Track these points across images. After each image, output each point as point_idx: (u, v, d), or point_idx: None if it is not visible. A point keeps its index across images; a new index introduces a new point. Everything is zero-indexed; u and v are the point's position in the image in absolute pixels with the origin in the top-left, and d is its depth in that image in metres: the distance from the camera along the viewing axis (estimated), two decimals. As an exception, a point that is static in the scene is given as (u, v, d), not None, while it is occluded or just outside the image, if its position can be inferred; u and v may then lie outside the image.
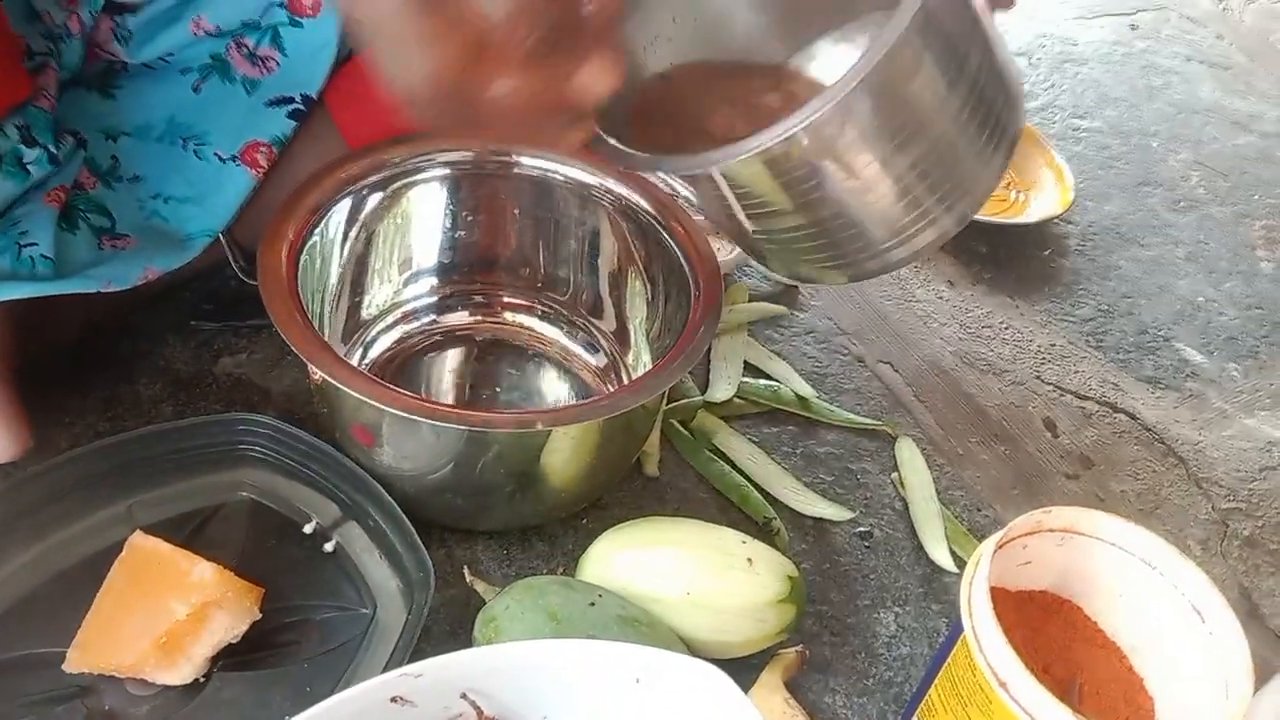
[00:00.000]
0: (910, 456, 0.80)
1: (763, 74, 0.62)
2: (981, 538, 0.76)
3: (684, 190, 0.54)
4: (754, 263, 0.94)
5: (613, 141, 0.53)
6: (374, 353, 0.77)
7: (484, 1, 0.44)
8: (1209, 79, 1.48)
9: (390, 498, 0.64)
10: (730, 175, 0.50)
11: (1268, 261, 1.14)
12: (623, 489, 0.74)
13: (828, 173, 0.49)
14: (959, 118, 0.50)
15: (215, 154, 0.74)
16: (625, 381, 0.77)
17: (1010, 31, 1.46)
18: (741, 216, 0.53)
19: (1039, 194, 1.14)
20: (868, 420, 0.82)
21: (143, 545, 0.59)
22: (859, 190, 0.50)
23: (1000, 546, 0.57)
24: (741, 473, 0.76)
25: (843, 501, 0.76)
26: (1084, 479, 0.83)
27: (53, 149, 0.66)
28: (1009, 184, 1.16)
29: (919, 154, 0.50)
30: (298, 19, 0.75)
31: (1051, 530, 0.60)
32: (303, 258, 0.67)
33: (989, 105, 0.51)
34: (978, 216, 1.04)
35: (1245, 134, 1.37)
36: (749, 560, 0.62)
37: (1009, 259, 1.06)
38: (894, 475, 0.79)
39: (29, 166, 0.65)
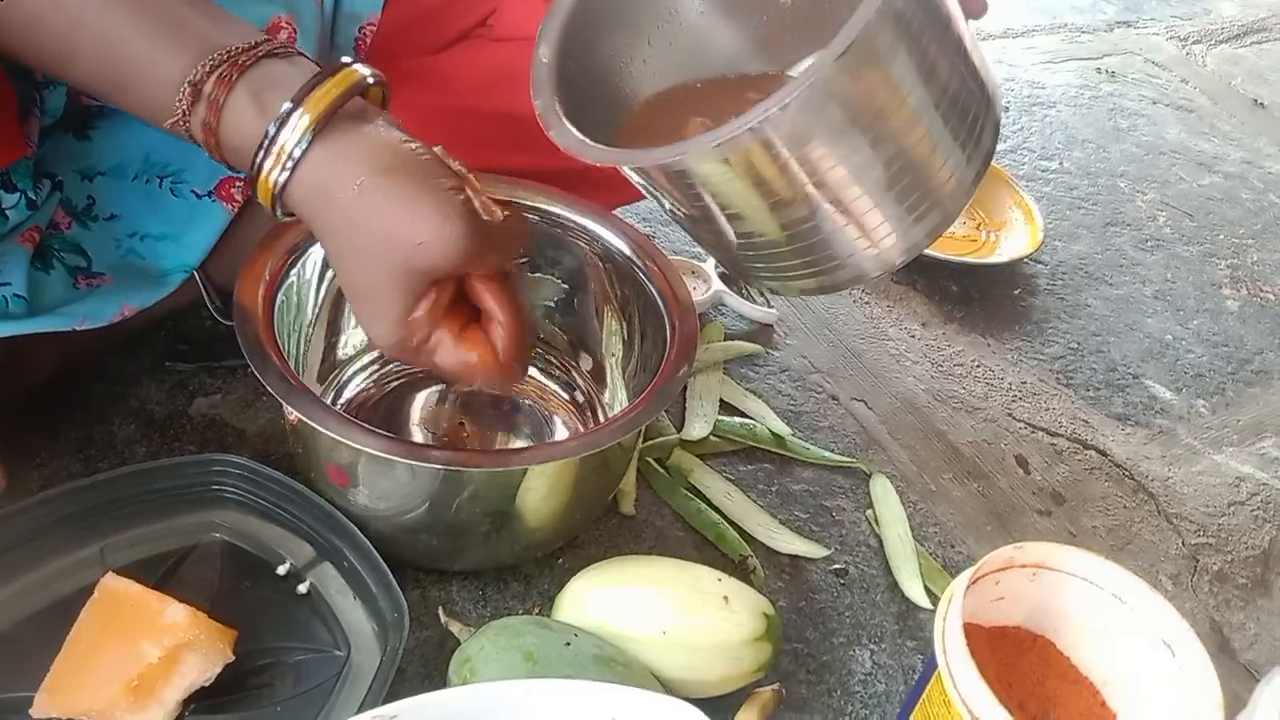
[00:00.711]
0: (884, 493, 0.80)
1: (756, 83, 0.63)
2: (955, 573, 0.76)
3: (667, 203, 0.54)
4: (728, 301, 0.95)
5: (578, 135, 0.54)
6: (350, 392, 0.77)
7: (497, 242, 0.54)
8: (1174, 121, 1.51)
9: (365, 538, 0.64)
10: (697, 173, 0.50)
11: (1233, 300, 1.16)
12: (599, 528, 0.74)
13: (794, 172, 0.49)
14: (931, 122, 0.50)
15: (191, 190, 0.74)
16: (602, 420, 0.78)
17: (979, 75, 1.49)
18: (716, 219, 0.53)
19: (1009, 234, 1.16)
20: (842, 458, 0.83)
21: (114, 587, 0.59)
22: (827, 196, 0.50)
23: (973, 582, 0.58)
24: (717, 510, 0.76)
25: (818, 538, 0.76)
26: (1056, 515, 0.84)
27: (31, 194, 0.66)
28: (979, 224, 1.18)
29: (888, 157, 0.50)
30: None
31: (1023, 566, 0.61)
32: (279, 297, 0.67)
33: (962, 112, 0.51)
34: (949, 256, 1.06)
35: (1210, 174, 1.39)
36: (725, 598, 0.62)
37: (980, 298, 1.07)
38: (869, 512, 0.80)
39: (8, 212, 0.65)
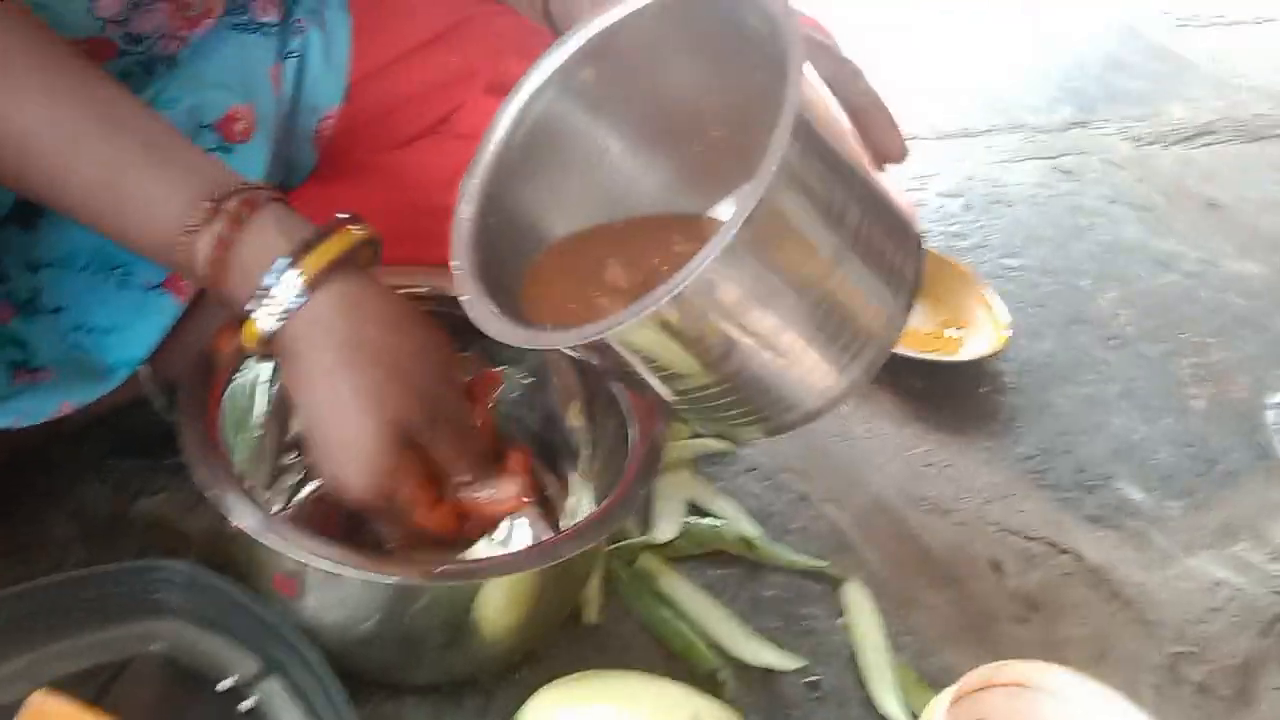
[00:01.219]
0: (858, 601, 0.78)
1: (680, 225, 0.62)
2: (932, 684, 0.73)
3: (595, 361, 0.54)
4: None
5: (487, 307, 0.53)
6: (303, 491, 0.74)
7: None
8: (1132, 220, 1.53)
9: (314, 650, 0.60)
10: (614, 344, 0.49)
11: (1198, 399, 1.16)
12: (561, 637, 0.71)
13: (718, 334, 0.48)
14: (847, 269, 0.50)
15: (141, 282, 0.71)
16: (561, 521, 0.75)
17: (940, 173, 1.51)
18: (649, 380, 0.52)
19: (974, 332, 1.16)
20: (814, 562, 0.81)
21: (43, 706, 0.55)
22: (758, 347, 0.50)
23: (953, 703, 0.55)
24: (685, 619, 0.73)
25: (791, 648, 0.73)
26: (1033, 623, 0.82)
27: (-24, 288, 0.64)
28: (944, 321, 1.18)
29: (809, 307, 0.50)
30: (228, 144, 0.74)
31: (1003, 685, 0.59)
32: (227, 394, 0.64)
33: (879, 254, 0.51)
34: (915, 353, 1.05)
35: (1169, 273, 1.41)
36: (695, 717, 0.59)
37: (947, 396, 1.06)
38: (841, 620, 0.77)
39: (-54, 306, 0.63)
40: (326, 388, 0.55)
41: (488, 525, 0.63)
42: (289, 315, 0.52)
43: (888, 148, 0.53)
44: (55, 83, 0.51)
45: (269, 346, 0.54)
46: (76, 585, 0.62)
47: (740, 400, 0.53)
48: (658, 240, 0.60)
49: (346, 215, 0.56)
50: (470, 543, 0.64)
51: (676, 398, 0.55)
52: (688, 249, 0.60)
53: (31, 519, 0.70)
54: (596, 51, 0.58)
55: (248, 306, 0.53)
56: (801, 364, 0.52)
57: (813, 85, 0.48)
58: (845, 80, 0.54)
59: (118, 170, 0.52)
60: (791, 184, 0.46)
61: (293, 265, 0.52)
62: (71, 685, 0.58)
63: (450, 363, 0.60)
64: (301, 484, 0.74)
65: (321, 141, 0.83)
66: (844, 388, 0.54)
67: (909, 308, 0.54)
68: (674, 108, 0.60)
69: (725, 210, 0.63)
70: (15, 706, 0.55)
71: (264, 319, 0.53)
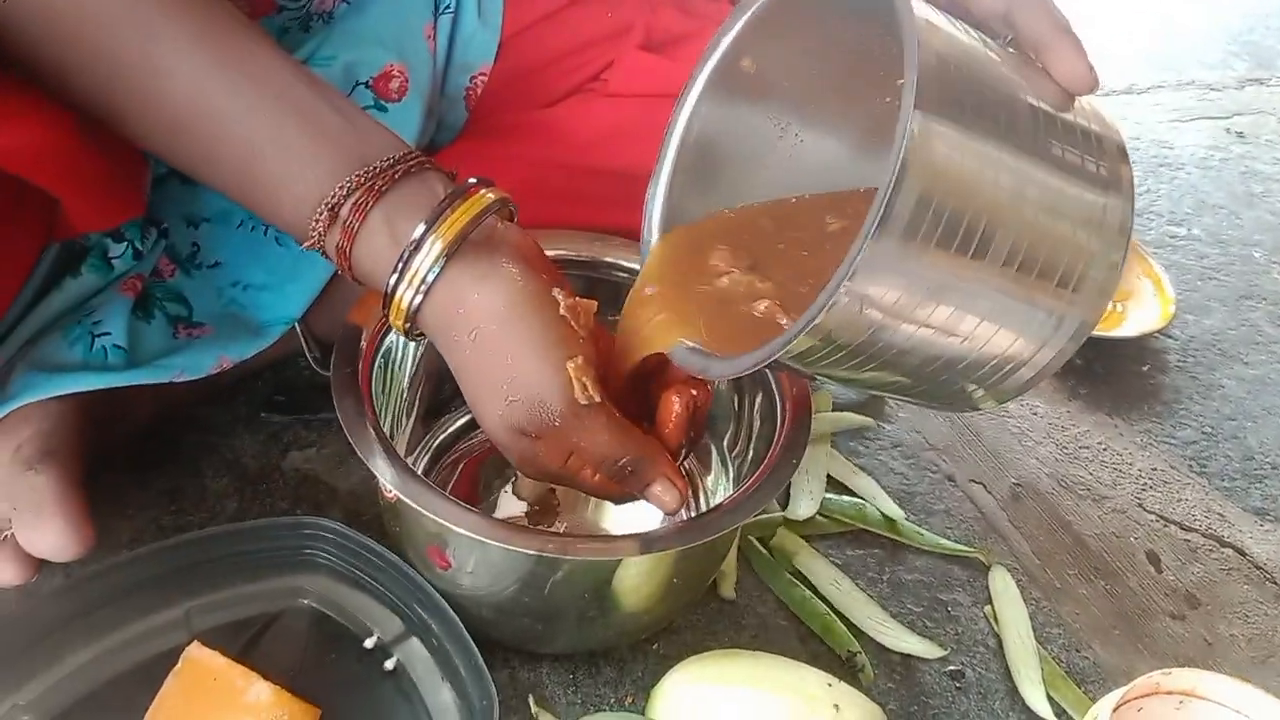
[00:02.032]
0: (1005, 589, 0.75)
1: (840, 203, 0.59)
2: (1080, 681, 0.70)
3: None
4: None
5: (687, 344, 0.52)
6: (444, 454, 0.74)
7: (584, 434, 0.53)
8: (1312, 187, 1.43)
9: (455, 616, 0.60)
10: (793, 354, 0.46)
11: (1381, 384, 1.07)
12: (697, 612, 0.70)
13: (887, 335, 0.45)
14: (1029, 231, 0.45)
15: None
16: (703, 494, 0.74)
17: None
18: (833, 374, 0.49)
19: (1137, 305, 1.09)
20: (959, 546, 0.78)
21: (199, 658, 0.57)
22: (937, 337, 0.46)
23: (1115, 709, 0.52)
24: (823, 599, 0.71)
25: (932, 636, 0.71)
26: (1190, 619, 0.78)
27: (138, 245, 0.65)
28: (1104, 292, 1.11)
29: (988, 284, 0.45)
30: (383, 102, 0.74)
31: (1170, 693, 0.56)
32: (379, 354, 0.65)
33: (1072, 202, 0.47)
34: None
35: (1351, 246, 1.31)
36: (835, 707, 0.58)
37: (1105, 374, 1.01)
38: (987, 608, 0.74)
39: (114, 262, 0.64)
40: (463, 367, 0.54)
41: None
42: (431, 287, 0.51)
43: (1073, 78, 0.49)
44: (213, 47, 0.50)
45: (419, 322, 0.53)
46: (231, 539, 0.64)
47: (929, 390, 0.50)
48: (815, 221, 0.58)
49: (476, 180, 0.53)
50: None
51: (873, 390, 0.53)
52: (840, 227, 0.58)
53: (187, 471, 0.73)
54: (753, 35, 0.56)
55: (390, 280, 0.51)
56: (994, 342, 0.48)
57: (946, 28, 0.45)
58: (1023, 8, 0.50)
59: (265, 143, 0.51)
60: (932, 159, 0.41)
61: (429, 233, 0.50)
62: (222, 636, 0.60)
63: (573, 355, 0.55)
64: (447, 444, 0.75)
65: (472, 99, 0.82)
66: (1050, 356, 0.50)
67: (1121, 265, 0.49)
68: (846, 70, 0.57)
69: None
70: (169, 654, 0.58)
71: (408, 293, 0.51)
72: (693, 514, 0.72)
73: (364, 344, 0.63)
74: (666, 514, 0.58)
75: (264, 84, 0.51)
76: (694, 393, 0.58)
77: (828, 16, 0.55)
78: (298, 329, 0.75)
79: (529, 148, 0.79)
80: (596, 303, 0.55)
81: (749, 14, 0.55)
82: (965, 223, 0.43)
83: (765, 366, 0.47)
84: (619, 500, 0.60)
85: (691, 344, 0.53)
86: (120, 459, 0.70)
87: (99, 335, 0.63)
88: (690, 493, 0.73)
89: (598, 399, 0.52)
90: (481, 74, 0.82)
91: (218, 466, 0.73)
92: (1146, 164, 1.41)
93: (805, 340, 0.44)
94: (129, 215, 0.62)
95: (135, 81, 0.49)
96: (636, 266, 0.72)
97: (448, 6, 0.79)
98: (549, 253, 0.71)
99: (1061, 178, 0.46)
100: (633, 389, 0.58)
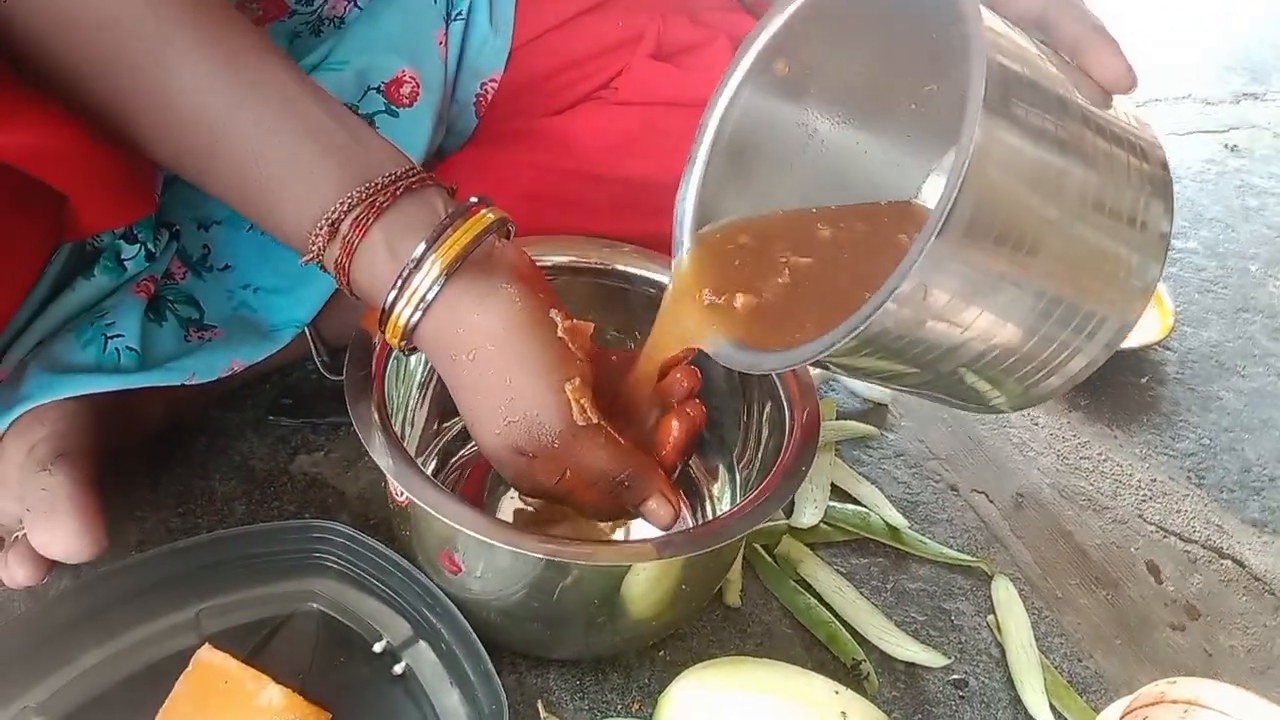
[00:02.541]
0: (1007, 598, 0.75)
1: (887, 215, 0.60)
2: (1082, 690, 0.71)
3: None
4: (841, 377, 0.91)
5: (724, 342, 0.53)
6: (450, 457, 0.75)
7: (581, 454, 0.53)
8: (1308, 202, 1.44)
9: (465, 620, 0.61)
10: (835, 359, 0.47)
11: (1378, 399, 1.08)
12: (703, 619, 0.70)
13: (930, 338, 0.46)
14: (1078, 238, 0.46)
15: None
16: (708, 504, 0.74)
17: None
18: (867, 369, 0.50)
19: (1135, 317, 1.10)
20: (962, 556, 0.78)
21: (210, 660, 0.57)
22: (975, 342, 0.47)
23: (1121, 718, 0.53)
24: (828, 607, 0.72)
25: (936, 644, 0.71)
26: (1190, 630, 0.78)
27: (150, 246, 0.65)
28: (1103, 304, 1.12)
29: (1033, 292, 0.46)
30: (394, 108, 0.75)
31: (1174, 702, 0.56)
32: (391, 357, 0.65)
33: (1117, 207, 0.47)
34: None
35: (1347, 261, 1.32)
36: (843, 714, 0.58)
37: (1105, 385, 1.01)
38: (990, 618, 0.75)
39: (126, 263, 0.65)
40: (460, 387, 0.54)
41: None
42: (430, 305, 0.51)
43: (1114, 77, 0.49)
44: (220, 57, 0.50)
45: (415, 340, 0.53)
46: (241, 541, 0.64)
47: (962, 391, 0.51)
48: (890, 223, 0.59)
49: (477, 199, 0.54)
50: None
51: (908, 389, 0.53)
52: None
53: (196, 474, 0.73)
54: (787, 38, 0.57)
55: (389, 297, 0.51)
56: (1026, 352, 0.48)
57: (1004, 31, 0.45)
58: (1059, 8, 0.50)
59: (267, 155, 0.51)
60: (995, 161, 0.42)
61: (429, 252, 0.50)
62: (232, 639, 0.60)
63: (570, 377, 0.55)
64: (455, 448, 0.75)
65: (482, 106, 0.83)
66: (1079, 368, 0.51)
67: (1158, 273, 0.50)
68: (877, 73, 0.58)
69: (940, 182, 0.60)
70: (179, 656, 0.58)
71: (405, 310, 0.51)
72: (700, 521, 0.73)
73: (377, 347, 0.63)
74: (661, 529, 0.58)
75: (269, 96, 0.51)
76: (692, 415, 0.58)
77: (864, 19, 0.55)
78: (307, 333, 0.75)
79: (538, 154, 0.80)
80: (593, 325, 0.56)
81: (785, 15, 0.56)
82: (1020, 226, 0.44)
83: (813, 362, 0.48)
84: (611, 518, 0.61)
85: (731, 340, 0.53)
86: (129, 461, 0.71)
87: (112, 337, 0.63)
88: (688, 504, 0.74)
89: (595, 420, 0.53)
90: (492, 80, 0.82)
91: (226, 469, 0.74)
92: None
93: (855, 339, 0.44)
94: (139, 214, 0.62)
95: (140, 90, 0.50)
96: (644, 274, 0.73)
97: (459, 13, 0.80)
98: (557, 259, 0.72)
99: (1108, 182, 0.47)
100: (631, 411, 0.59)
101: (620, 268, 0.74)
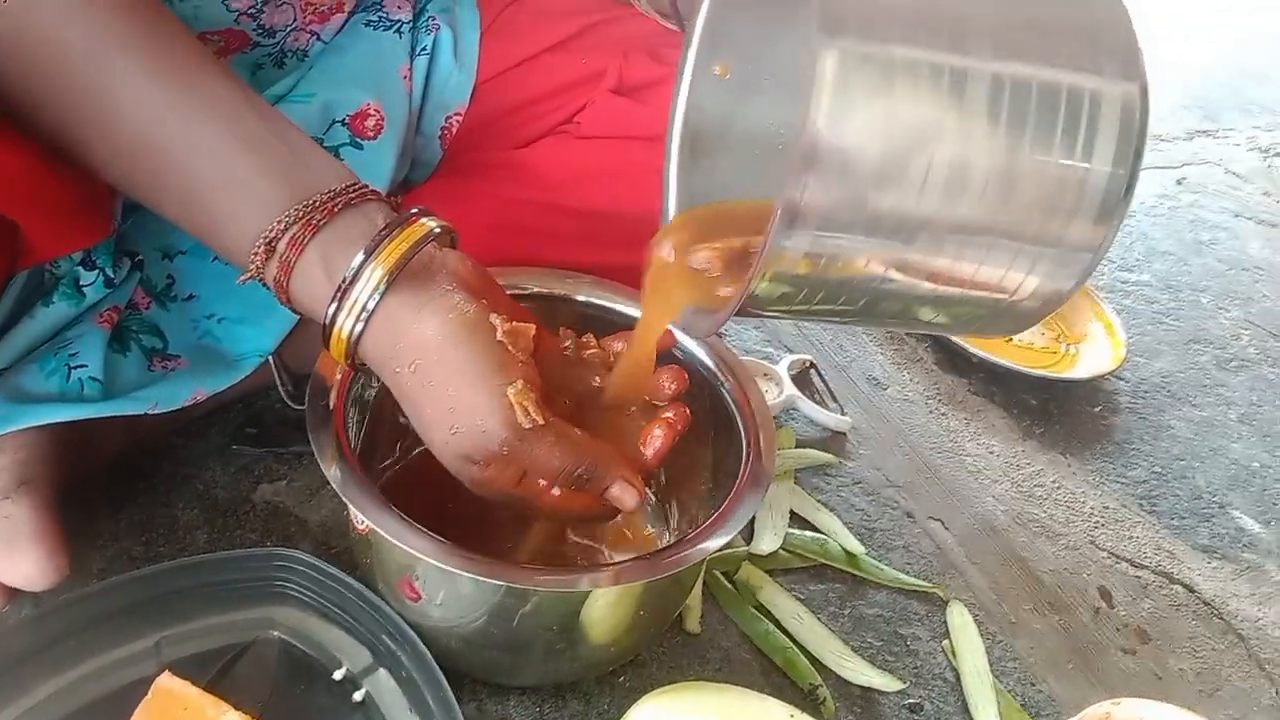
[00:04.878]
0: (962, 624, 0.77)
1: None
2: (1035, 714, 0.72)
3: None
4: (801, 407, 0.93)
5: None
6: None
7: (533, 456, 0.53)
8: (1256, 236, 1.48)
9: (423, 647, 0.61)
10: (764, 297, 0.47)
11: (1323, 428, 1.11)
12: (662, 645, 0.71)
13: (847, 282, 0.46)
14: (998, 151, 0.43)
15: (270, 275, 0.73)
16: (672, 526, 0.75)
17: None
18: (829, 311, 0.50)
19: (1090, 348, 1.13)
20: (918, 582, 0.80)
21: (169, 688, 0.57)
22: (910, 282, 0.46)
23: (1066, 741, 0.54)
24: (786, 633, 0.73)
25: (892, 669, 0.73)
26: (1141, 654, 0.80)
27: (109, 272, 0.66)
28: (1059, 336, 1.15)
29: (947, 229, 0.44)
30: (359, 140, 0.76)
31: (1119, 723, 0.57)
32: (353, 384, 0.65)
33: (1047, 113, 0.44)
34: (1028, 369, 1.03)
35: (1295, 294, 1.35)
36: (798, 738, 0.59)
37: (1060, 414, 1.04)
38: (945, 642, 0.76)
39: (85, 289, 0.65)
40: (406, 398, 0.54)
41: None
42: (372, 314, 0.51)
43: None
44: (164, 77, 0.50)
45: (360, 353, 0.53)
46: (202, 569, 0.65)
47: (935, 321, 0.50)
48: None
49: (417, 209, 0.54)
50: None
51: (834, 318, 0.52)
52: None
53: (159, 501, 0.73)
54: (712, 42, 0.58)
55: (329, 310, 0.51)
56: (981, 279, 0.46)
57: None
58: None
59: (208, 173, 0.51)
60: (849, 87, 0.41)
61: (368, 261, 0.51)
62: (193, 666, 0.60)
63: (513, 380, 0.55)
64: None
65: (447, 139, 0.84)
66: (1047, 295, 0.48)
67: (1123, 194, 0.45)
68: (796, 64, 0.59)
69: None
70: (139, 684, 0.58)
71: (346, 322, 0.51)
72: (663, 546, 0.74)
73: (339, 377, 0.64)
74: (627, 512, 0.58)
75: (211, 114, 0.51)
76: (674, 421, 0.59)
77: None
78: (271, 362, 0.75)
79: (502, 186, 0.81)
80: (535, 326, 0.56)
81: (700, 22, 0.57)
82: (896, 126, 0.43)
83: (750, 313, 0.48)
84: (578, 523, 0.61)
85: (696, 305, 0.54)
86: (91, 489, 0.71)
87: (75, 367, 0.64)
88: (662, 525, 0.75)
89: (540, 420, 0.53)
90: (457, 114, 0.84)
91: (189, 498, 0.74)
92: (1099, 211, 1.44)
93: (768, 281, 0.45)
94: (92, 240, 0.62)
95: (85, 108, 0.50)
96: (606, 304, 0.75)
97: (424, 48, 0.81)
98: (519, 291, 0.73)
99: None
100: (616, 403, 0.60)
101: (583, 298, 0.75)
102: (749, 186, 0.62)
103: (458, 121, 0.84)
